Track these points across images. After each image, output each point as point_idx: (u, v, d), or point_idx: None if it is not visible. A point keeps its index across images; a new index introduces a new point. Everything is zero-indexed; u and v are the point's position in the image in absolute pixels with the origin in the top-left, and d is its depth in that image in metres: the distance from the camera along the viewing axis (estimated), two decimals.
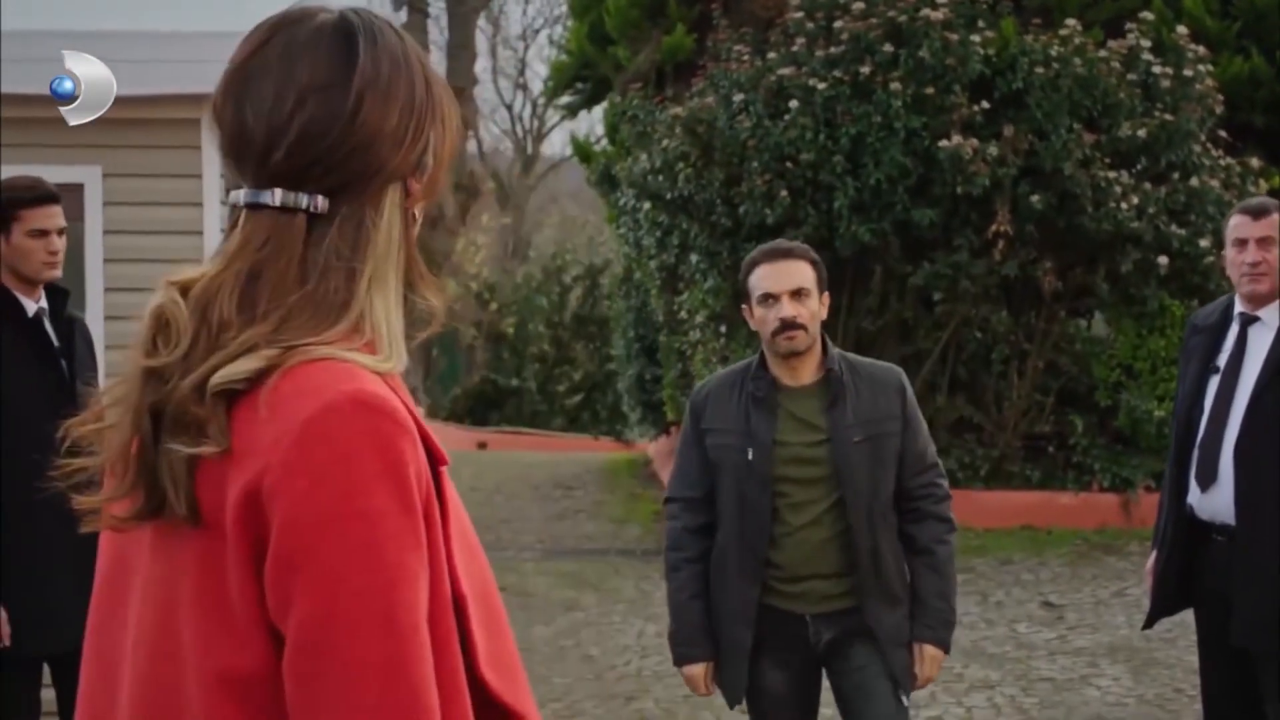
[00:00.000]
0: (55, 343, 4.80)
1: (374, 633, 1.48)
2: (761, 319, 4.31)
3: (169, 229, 6.31)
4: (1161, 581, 4.85)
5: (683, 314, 13.34)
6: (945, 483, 4.46)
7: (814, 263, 4.35)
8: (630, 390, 18.01)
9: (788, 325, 4.25)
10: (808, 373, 4.34)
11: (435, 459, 1.58)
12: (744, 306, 4.41)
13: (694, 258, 12.06)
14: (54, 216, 4.77)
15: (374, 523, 1.48)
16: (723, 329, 12.45)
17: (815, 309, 4.29)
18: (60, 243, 4.78)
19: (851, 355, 4.46)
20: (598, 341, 22.21)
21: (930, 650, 4.32)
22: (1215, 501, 4.65)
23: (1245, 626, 4.56)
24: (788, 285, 4.26)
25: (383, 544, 1.48)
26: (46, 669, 4.95)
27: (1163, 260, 11.39)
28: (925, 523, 4.38)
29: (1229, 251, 4.83)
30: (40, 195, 4.77)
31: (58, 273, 4.81)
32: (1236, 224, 4.79)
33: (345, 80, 1.61)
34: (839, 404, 4.29)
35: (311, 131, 1.60)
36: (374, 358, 1.58)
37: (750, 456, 4.28)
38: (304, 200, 1.62)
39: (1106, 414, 12.02)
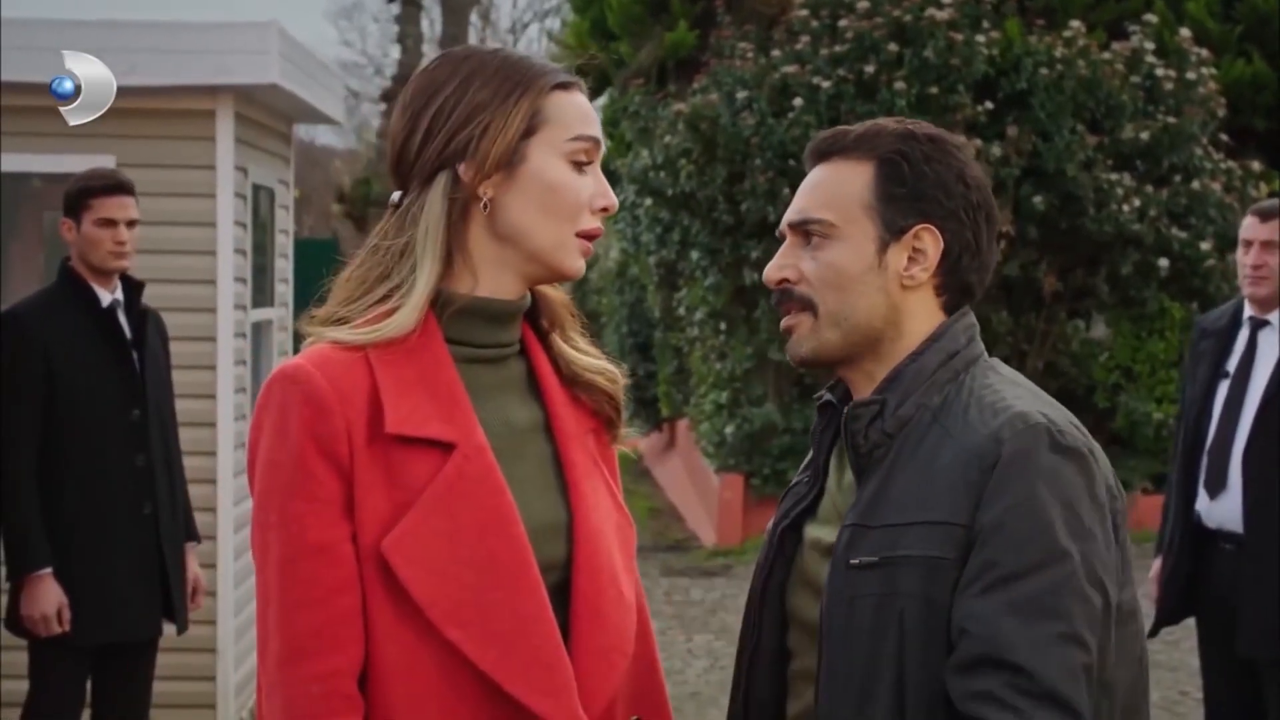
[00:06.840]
0: (128, 335, 4.78)
1: (259, 563, 1.88)
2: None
3: (182, 220, 6.28)
4: (1167, 589, 4.82)
5: (681, 311, 13.31)
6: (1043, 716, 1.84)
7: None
8: None
9: (780, 295, 2.13)
10: (860, 382, 2.12)
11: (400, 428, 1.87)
12: None
13: (694, 254, 12.06)
14: (125, 207, 4.75)
15: (267, 472, 1.87)
16: (722, 326, 12.43)
17: (837, 262, 2.09)
18: (129, 234, 4.76)
19: (986, 376, 2.06)
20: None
21: None
22: (1224, 509, 4.62)
23: (1252, 635, 4.53)
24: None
25: (270, 491, 1.86)
26: None
27: (1163, 263, 11.41)
28: None
29: (1238, 252, 4.82)
30: (110, 184, 4.76)
31: (126, 263, 4.79)
32: (1245, 225, 4.79)
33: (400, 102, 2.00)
34: (875, 472, 2.03)
35: (391, 143, 2.00)
36: (362, 330, 1.88)
37: (770, 540, 2.17)
38: (395, 196, 1.99)
39: (1104, 416, 12.02)
